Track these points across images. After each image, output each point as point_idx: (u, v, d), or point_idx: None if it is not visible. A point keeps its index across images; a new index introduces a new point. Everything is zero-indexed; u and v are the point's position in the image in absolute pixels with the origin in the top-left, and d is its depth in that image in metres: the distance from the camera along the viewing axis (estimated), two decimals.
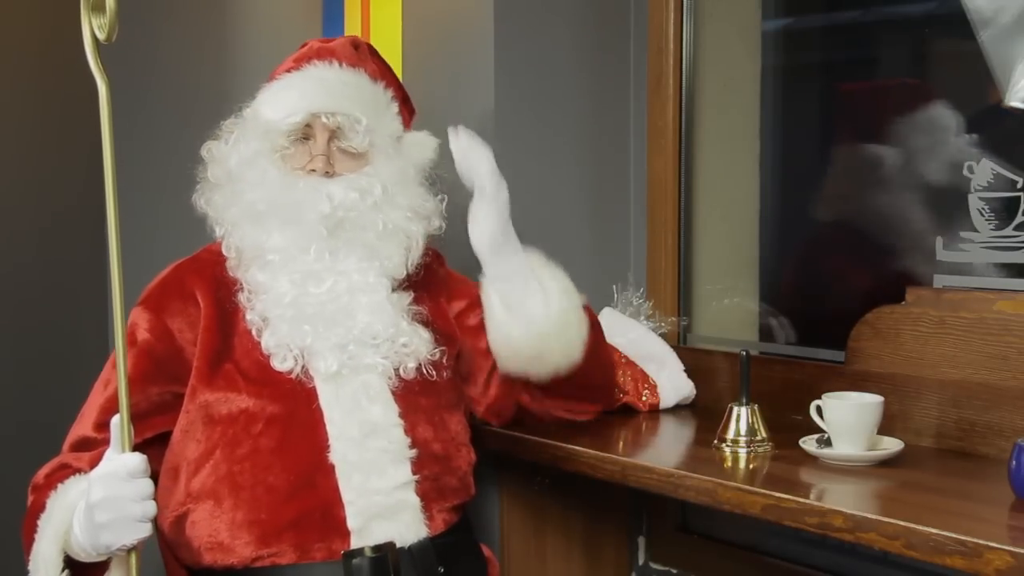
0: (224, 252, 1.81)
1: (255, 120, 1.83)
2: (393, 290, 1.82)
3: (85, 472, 1.65)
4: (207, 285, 1.81)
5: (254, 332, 1.76)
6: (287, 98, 1.82)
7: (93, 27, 1.54)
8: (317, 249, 1.77)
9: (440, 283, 1.97)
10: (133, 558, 1.56)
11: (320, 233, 1.77)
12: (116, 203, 1.54)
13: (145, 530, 1.52)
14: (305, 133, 1.82)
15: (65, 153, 2.84)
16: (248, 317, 1.77)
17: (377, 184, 1.81)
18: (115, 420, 1.54)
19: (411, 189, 1.86)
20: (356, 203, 1.78)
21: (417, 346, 1.79)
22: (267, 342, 1.75)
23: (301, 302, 1.75)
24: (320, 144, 1.81)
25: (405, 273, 1.84)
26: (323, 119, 1.81)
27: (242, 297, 1.79)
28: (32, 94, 2.75)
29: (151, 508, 1.52)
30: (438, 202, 1.90)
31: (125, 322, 1.57)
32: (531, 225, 2.33)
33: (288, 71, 1.88)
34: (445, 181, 1.94)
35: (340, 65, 1.87)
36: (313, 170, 1.80)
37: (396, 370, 1.77)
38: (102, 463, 1.55)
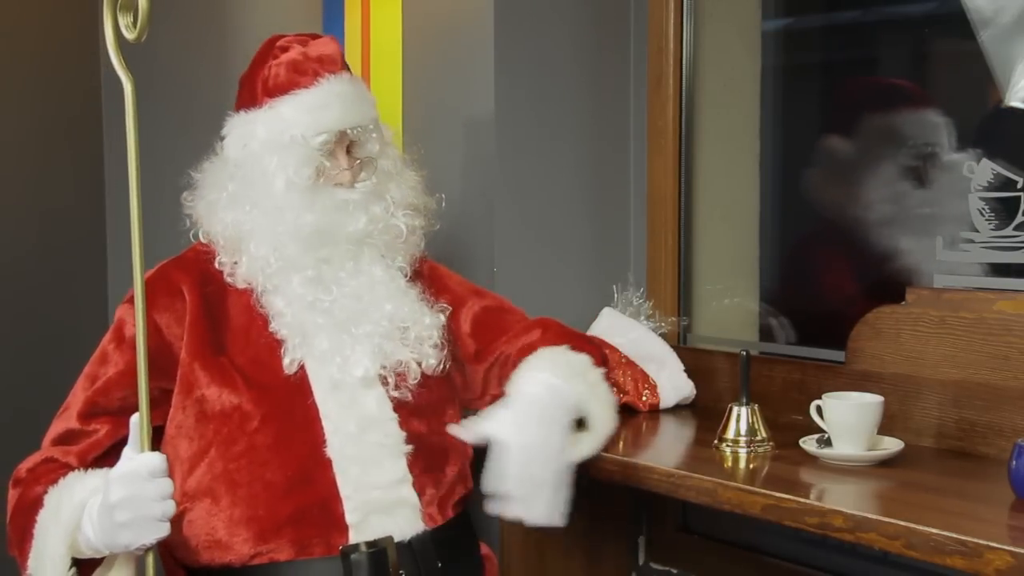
0: (253, 268, 1.79)
1: (291, 140, 1.79)
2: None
3: (74, 467, 1.66)
4: (193, 280, 1.81)
5: (286, 340, 1.76)
6: (320, 117, 1.81)
7: (120, 25, 1.53)
8: (346, 258, 1.80)
9: (426, 276, 1.97)
10: (150, 557, 1.56)
11: (354, 243, 1.80)
12: (139, 201, 1.54)
13: (165, 529, 1.53)
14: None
15: (62, 151, 2.85)
16: (281, 332, 1.77)
17: (391, 188, 1.85)
18: (134, 419, 1.54)
19: (407, 183, 1.89)
20: (382, 215, 1.83)
21: (435, 332, 1.82)
22: (301, 353, 1.75)
23: (333, 309, 1.77)
24: (345, 158, 1.82)
25: (409, 270, 1.87)
26: (348, 132, 1.82)
27: (277, 300, 1.78)
28: (30, 92, 2.75)
29: (171, 507, 1.53)
30: (436, 200, 1.92)
31: (144, 323, 1.57)
32: (531, 225, 2.33)
33: (303, 87, 1.82)
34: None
35: (349, 76, 1.87)
36: (340, 183, 1.81)
37: (419, 363, 1.79)
38: (121, 462, 1.55)
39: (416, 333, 1.80)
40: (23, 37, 2.70)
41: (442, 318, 1.86)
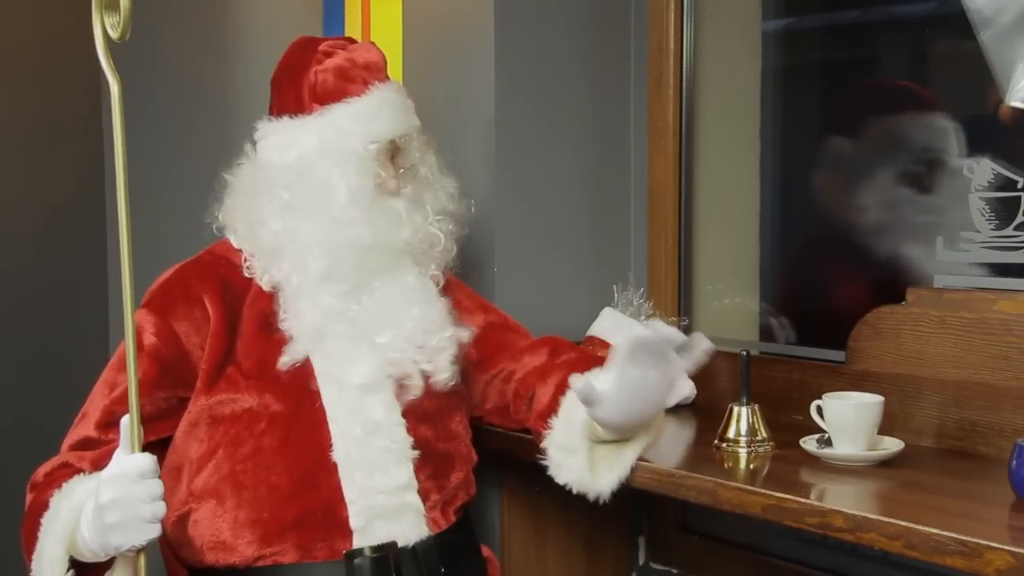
0: (291, 276, 1.78)
1: (347, 150, 1.79)
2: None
3: (87, 472, 1.65)
4: (214, 289, 1.80)
5: (292, 340, 1.76)
6: (372, 126, 1.81)
7: (105, 26, 1.53)
8: (386, 269, 1.81)
9: (445, 286, 1.97)
10: (142, 559, 1.55)
11: (397, 253, 1.82)
12: (127, 203, 1.53)
13: (155, 531, 1.52)
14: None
15: (63, 153, 2.85)
16: (292, 332, 1.76)
17: (428, 197, 1.86)
18: (124, 421, 1.53)
19: (443, 189, 1.90)
20: (422, 224, 1.84)
21: (453, 345, 1.83)
22: (305, 354, 1.75)
23: (358, 317, 1.77)
24: (391, 167, 1.83)
25: (442, 278, 1.89)
26: (396, 141, 1.83)
27: (302, 303, 1.77)
28: (31, 93, 2.75)
29: (161, 509, 1.52)
30: (466, 206, 1.94)
31: (133, 323, 1.56)
32: (532, 225, 2.33)
33: (354, 95, 1.82)
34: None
35: (394, 84, 1.88)
36: (388, 191, 1.82)
37: (427, 376, 1.79)
38: (111, 464, 1.54)
39: (436, 342, 1.80)
40: (22, 37, 2.70)
41: (465, 335, 1.86)
